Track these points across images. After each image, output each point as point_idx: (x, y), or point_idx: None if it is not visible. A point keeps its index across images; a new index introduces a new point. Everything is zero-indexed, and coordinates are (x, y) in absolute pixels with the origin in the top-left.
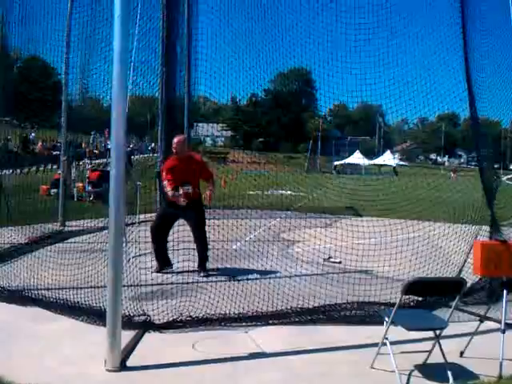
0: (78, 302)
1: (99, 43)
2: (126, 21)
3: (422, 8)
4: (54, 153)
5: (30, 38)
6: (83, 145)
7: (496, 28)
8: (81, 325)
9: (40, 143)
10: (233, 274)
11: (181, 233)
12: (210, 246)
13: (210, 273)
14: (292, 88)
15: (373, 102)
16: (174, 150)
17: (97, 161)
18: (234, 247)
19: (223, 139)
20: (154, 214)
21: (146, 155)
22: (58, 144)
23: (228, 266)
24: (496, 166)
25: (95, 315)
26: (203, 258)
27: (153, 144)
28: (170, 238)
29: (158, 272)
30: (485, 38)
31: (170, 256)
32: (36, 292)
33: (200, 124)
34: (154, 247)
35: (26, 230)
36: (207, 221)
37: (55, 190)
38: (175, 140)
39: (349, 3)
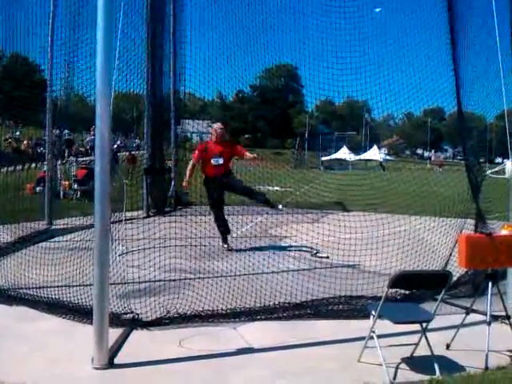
0: (64, 301)
1: (84, 39)
2: (110, 16)
3: (408, 3)
4: (39, 150)
5: (13, 35)
6: (72, 141)
7: (481, 23)
8: (68, 323)
9: (26, 141)
10: (220, 270)
11: (167, 230)
12: (197, 243)
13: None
14: (279, 84)
15: (359, 97)
16: (214, 137)
17: (84, 158)
18: (221, 244)
19: (210, 135)
20: (140, 212)
21: (132, 152)
22: (43, 142)
23: (216, 262)
24: (481, 159)
25: (82, 313)
26: (266, 200)
27: (137, 140)
28: (157, 235)
29: (228, 249)
30: (471, 32)
31: (160, 253)
32: (22, 291)
33: (186, 120)
34: (217, 223)
35: (12, 228)
36: (194, 217)
37: (41, 188)
38: (220, 126)
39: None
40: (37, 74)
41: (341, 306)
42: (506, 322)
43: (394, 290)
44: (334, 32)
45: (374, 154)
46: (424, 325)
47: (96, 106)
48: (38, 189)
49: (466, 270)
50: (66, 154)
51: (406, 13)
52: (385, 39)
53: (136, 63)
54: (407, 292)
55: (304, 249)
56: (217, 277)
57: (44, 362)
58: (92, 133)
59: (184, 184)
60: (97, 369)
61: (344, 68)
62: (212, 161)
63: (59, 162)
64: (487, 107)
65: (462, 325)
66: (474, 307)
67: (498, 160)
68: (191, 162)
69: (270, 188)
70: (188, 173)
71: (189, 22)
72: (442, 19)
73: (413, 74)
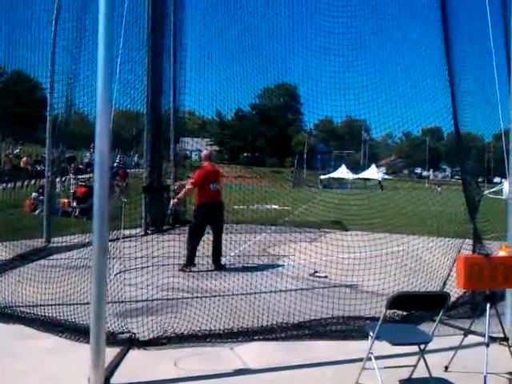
0: (61, 319)
1: (84, 58)
2: (111, 36)
3: (407, 25)
4: (39, 168)
5: (14, 53)
6: (69, 159)
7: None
8: (65, 342)
9: (25, 158)
10: (218, 290)
11: (166, 249)
12: (195, 262)
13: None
14: (278, 103)
15: (358, 116)
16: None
17: (83, 176)
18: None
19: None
20: (138, 230)
21: (131, 170)
22: (43, 159)
23: (213, 281)
24: (480, 179)
25: (79, 332)
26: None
27: (136, 158)
28: (155, 253)
29: (181, 270)
30: (468, 55)
31: (158, 271)
32: (19, 309)
33: (186, 139)
34: (188, 247)
35: (10, 245)
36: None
37: (41, 197)
38: (207, 153)
39: (334, 20)
40: (37, 92)
41: (339, 327)
42: (505, 343)
43: (392, 310)
44: (333, 52)
45: (373, 173)
46: (422, 346)
47: (96, 125)
48: (36, 196)
49: (464, 290)
50: (69, 171)
51: (403, 34)
52: (384, 60)
53: (136, 82)
54: (405, 313)
55: (302, 268)
56: (214, 296)
57: (39, 380)
58: (91, 150)
59: (175, 201)
60: None
61: (343, 88)
62: (211, 186)
63: (58, 179)
64: (485, 127)
65: (461, 346)
66: (473, 328)
67: (497, 180)
68: (189, 188)
69: (268, 206)
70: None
71: (189, 41)
72: (438, 40)
73: (411, 94)
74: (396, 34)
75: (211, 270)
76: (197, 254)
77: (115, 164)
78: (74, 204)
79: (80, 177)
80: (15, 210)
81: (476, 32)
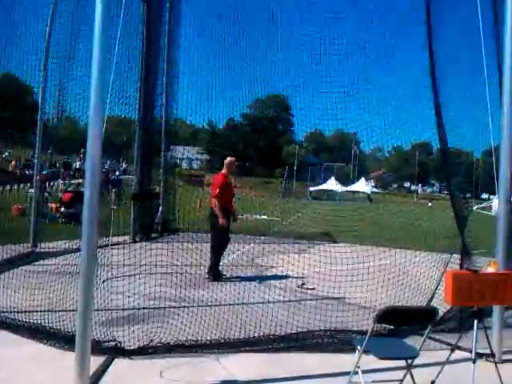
0: (46, 326)
1: (77, 63)
2: (105, 42)
3: (395, 43)
4: (28, 172)
5: (6, 56)
6: (57, 165)
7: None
8: (49, 349)
9: (13, 162)
10: (205, 300)
11: (153, 257)
12: (182, 271)
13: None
14: (269, 113)
15: (348, 129)
16: (229, 169)
17: (72, 181)
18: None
19: (199, 162)
20: (126, 237)
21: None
22: (32, 163)
23: (201, 291)
24: (468, 195)
25: (64, 340)
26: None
27: (124, 165)
28: (142, 261)
29: (213, 280)
30: (454, 72)
31: (145, 280)
32: (4, 315)
33: (176, 147)
34: (213, 260)
35: None
36: (180, 244)
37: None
38: (232, 160)
39: (325, 35)
40: (27, 96)
41: (326, 340)
42: (491, 359)
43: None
44: (325, 65)
45: (362, 185)
46: (409, 361)
47: (88, 131)
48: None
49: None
50: (60, 176)
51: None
52: (375, 75)
53: (129, 89)
54: (392, 327)
55: (290, 280)
56: (201, 306)
57: None
58: (81, 156)
59: (222, 222)
60: None
61: (334, 102)
62: (233, 198)
63: (47, 183)
64: (473, 143)
65: (448, 361)
66: (460, 344)
67: (484, 196)
68: (217, 201)
69: (258, 216)
70: (222, 213)
71: (182, 50)
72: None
73: (401, 109)
74: (388, 50)
75: (199, 280)
76: (187, 263)
77: (103, 170)
78: (62, 209)
79: (69, 182)
80: (2, 213)
81: (465, 47)
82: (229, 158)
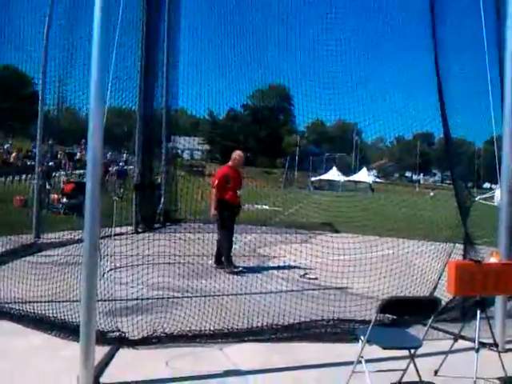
0: (50, 317)
1: (78, 53)
2: (106, 31)
3: (398, 29)
4: (29, 163)
5: (6, 46)
6: (58, 155)
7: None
8: (53, 340)
9: (15, 153)
10: (208, 290)
11: (156, 248)
12: (185, 261)
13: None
14: (270, 104)
15: (350, 119)
16: (235, 162)
17: (75, 171)
18: (210, 262)
19: (200, 153)
20: (129, 228)
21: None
22: (33, 154)
23: (203, 281)
24: (470, 185)
25: (68, 330)
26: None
27: (125, 155)
28: (145, 252)
29: (231, 273)
30: (458, 60)
31: (150, 270)
32: (8, 306)
33: (177, 137)
34: (226, 251)
35: None
36: (183, 235)
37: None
38: (240, 154)
39: (327, 23)
40: (28, 87)
41: (329, 329)
42: (494, 349)
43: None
44: (327, 55)
45: (364, 175)
46: (412, 351)
47: (89, 124)
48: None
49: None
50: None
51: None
52: (376, 65)
53: (129, 79)
54: (395, 317)
55: (292, 270)
56: (205, 296)
57: (28, 379)
58: (82, 146)
59: (213, 213)
60: None
61: (336, 92)
62: (237, 191)
63: (48, 174)
64: (475, 133)
65: (451, 351)
66: (463, 333)
67: (486, 185)
68: (214, 192)
69: (259, 206)
70: (214, 204)
71: (183, 41)
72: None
73: (403, 99)
74: (389, 39)
75: (201, 270)
76: (190, 253)
77: (104, 160)
78: (64, 200)
79: (71, 172)
80: (5, 205)
81: (469, 39)
82: (237, 152)
